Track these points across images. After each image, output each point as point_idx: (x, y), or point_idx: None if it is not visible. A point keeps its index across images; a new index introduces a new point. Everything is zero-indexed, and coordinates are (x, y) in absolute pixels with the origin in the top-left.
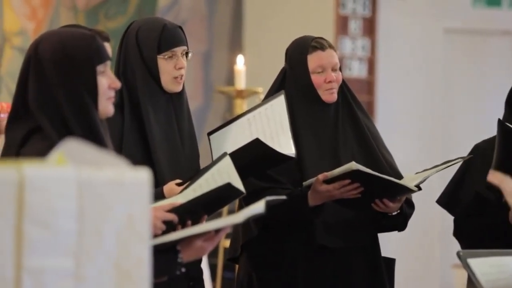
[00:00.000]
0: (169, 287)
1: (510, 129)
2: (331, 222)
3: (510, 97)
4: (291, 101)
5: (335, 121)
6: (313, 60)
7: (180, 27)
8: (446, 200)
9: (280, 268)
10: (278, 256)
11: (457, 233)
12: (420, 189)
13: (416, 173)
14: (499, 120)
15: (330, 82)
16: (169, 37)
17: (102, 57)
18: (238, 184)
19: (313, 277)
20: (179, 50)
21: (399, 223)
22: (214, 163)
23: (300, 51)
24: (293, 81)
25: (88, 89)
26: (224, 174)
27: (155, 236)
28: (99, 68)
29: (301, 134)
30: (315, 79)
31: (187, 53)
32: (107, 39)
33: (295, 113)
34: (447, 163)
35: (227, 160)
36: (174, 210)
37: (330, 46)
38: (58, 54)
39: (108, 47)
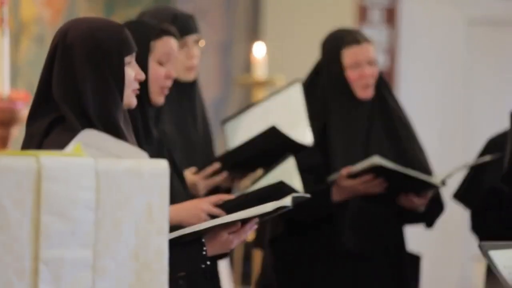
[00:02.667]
0: (185, 278)
1: None
2: (357, 226)
3: None
4: (325, 96)
5: (369, 118)
6: (349, 55)
7: (191, 16)
8: (462, 195)
9: (302, 270)
10: (300, 258)
11: (474, 228)
12: (444, 184)
13: (451, 170)
14: (511, 112)
15: (365, 77)
16: (179, 26)
17: (130, 48)
18: (297, 184)
19: (336, 279)
20: (191, 39)
21: (425, 221)
22: (278, 163)
23: (335, 45)
24: (327, 75)
25: (115, 79)
26: (286, 174)
27: None
28: (127, 59)
29: (333, 130)
30: (350, 74)
31: (199, 41)
32: (174, 35)
33: (328, 108)
34: (477, 160)
35: (291, 160)
36: (223, 204)
37: (366, 40)
38: (88, 42)
39: (174, 43)
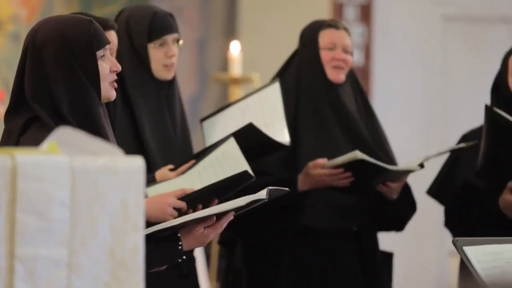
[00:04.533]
0: (162, 275)
1: (497, 114)
2: (318, 204)
3: (495, 85)
4: (297, 75)
5: (339, 103)
6: (325, 36)
7: (171, 14)
8: (436, 190)
9: (269, 259)
10: (266, 248)
11: (448, 224)
12: (423, 167)
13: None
14: (486, 105)
15: (338, 60)
16: (159, 25)
17: (101, 42)
18: (245, 167)
19: (300, 269)
20: (170, 37)
21: (397, 214)
22: (218, 144)
23: (313, 28)
24: (303, 58)
25: (89, 75)
26: (230, 157)
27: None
28: (99, 52)
29: (303, 114)
30: (324, 55)
31: (178, 40)
32: (113, 27)
33: (299, 91)
34: (453, 147)
35: (232, 142)
36: (186, 197)
37: (345, 28)
38: (57, 42)
39: (114, 36)
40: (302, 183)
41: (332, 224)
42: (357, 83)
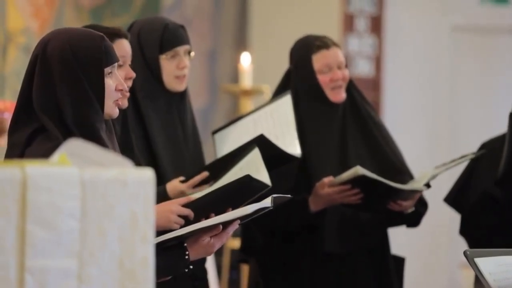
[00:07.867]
0: (174, 286)
1: None
2: (337, 227)
3: None
4: (297, 102)
5: (343, 122)
6: (319, 59)
7: (183, 26)
8: (453, 199)
9: (287, 275)
10: (284, 263)
11: (464, 231)
12: (429, 186)
13: (433, 172)
14: (511, 113)
15: (336, 80)
16: (171, 37)
17: (110, 59)
18: (264, 176)
19: (320, 282)
20: (182, 49)
21: (412, 221)
22: (243, 156)
23: (304, 51)
24: (299, 82)
25: (94, 90)
26: (252, 166)
27: (172, 231)
28: (107, 69)
29: (308, 136)
30: (322, 78)
31: (189, 52)
32: (125, 36)
33: (301, 114)
34: (458, 159)
35: (256, 152)
36: (191, 204)
37: (334, 44)
38: (66, 54)
39: (127, 44)
40: (314, 203)
41: (351, 247)
42: (358, 94)
